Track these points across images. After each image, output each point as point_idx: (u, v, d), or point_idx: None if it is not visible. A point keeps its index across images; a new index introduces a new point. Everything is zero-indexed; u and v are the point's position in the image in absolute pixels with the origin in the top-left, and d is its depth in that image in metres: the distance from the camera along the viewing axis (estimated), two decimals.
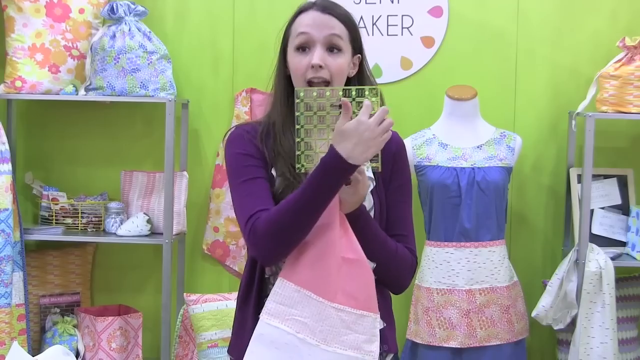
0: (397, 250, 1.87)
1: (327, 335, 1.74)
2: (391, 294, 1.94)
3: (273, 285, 1.79)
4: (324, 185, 1.69)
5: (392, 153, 1.91)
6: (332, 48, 1.83)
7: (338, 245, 1.74)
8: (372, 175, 1.88)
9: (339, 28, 1.83)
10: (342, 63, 1.84)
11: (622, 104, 3.11)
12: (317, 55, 1.81)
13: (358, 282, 1.76)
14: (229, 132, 1.92)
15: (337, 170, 1.68)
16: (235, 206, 1.82)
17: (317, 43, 1.82)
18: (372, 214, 1.86)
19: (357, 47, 1.88)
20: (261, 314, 1.76)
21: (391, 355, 1.91)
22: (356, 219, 1.79)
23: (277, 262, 1.80)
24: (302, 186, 1.71)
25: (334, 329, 1.74)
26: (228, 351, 1.97)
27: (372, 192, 1.87)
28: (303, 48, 1.83)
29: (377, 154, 1.73)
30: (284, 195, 1.77)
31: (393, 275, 1.87)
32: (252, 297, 1.86)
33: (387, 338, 1.88)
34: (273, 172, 1.84)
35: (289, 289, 1.74)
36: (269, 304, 1.76)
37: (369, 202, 1.86)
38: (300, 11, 1.88)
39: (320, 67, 1.81)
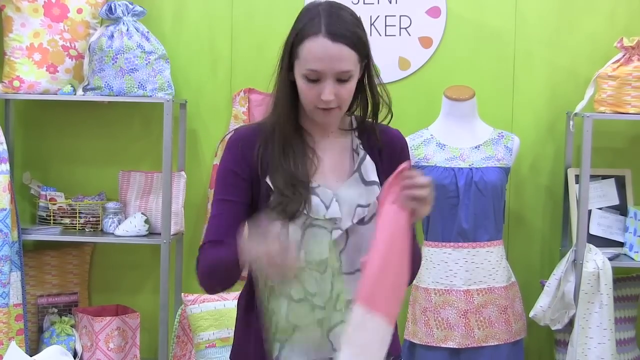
0: (416, 248, 1.90)
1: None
2: None
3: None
4: (233, 263, 1.72)
5: (397, 152, 1.91)
6: (342, 79, 1.78)
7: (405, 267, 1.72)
8: (376, 179, 1.87)
9: (349, 60, 1.76)
10: (352, 87, 1.81)
11: (620, 105, 3.11)
12: (329, 90, 1.76)
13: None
14: (228, 136, 1.90)
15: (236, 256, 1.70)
16: (209, 218, 1.89)
17: (328, 77, 1.76)
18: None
19: (364, 57, 1.83)
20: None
21: (392, 357, 1.90)
22: None
23: (214, 293, 1.92)
24: (230, 256, 1.71)
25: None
26: (230, 356, 1.93)
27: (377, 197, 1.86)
28: (313, 79, 1.79)
29: None
30: (277, 211, 1.77)
31: (413, 273, 1.89)
32: (255, 305, 1.85)
33: (392, 340, 1.87)
34: (268, 180, 1.82)
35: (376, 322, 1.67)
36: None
37: (373, 207, 1.84)
38: (309, 34, 1.77)
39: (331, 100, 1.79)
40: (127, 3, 3.26)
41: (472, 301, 2.99)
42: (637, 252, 3.10)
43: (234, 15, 3.47)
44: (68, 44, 3.31)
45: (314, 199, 1.81)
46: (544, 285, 3.14)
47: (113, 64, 3.22)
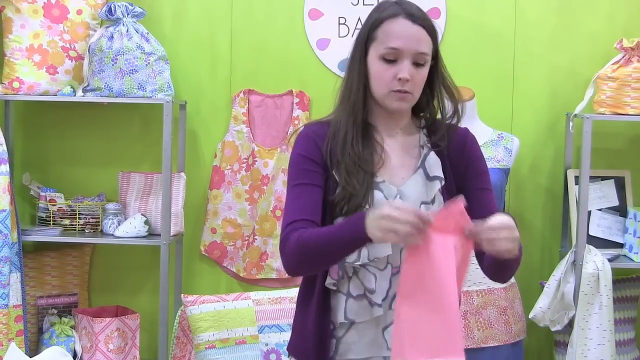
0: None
1: None
2: None
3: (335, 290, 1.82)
4: (346, 241, 1.69)
5: (461, 146, 1.91)
6: (418, 63, 1.81)
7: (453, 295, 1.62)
8: (440, 174, 1.86)
9: (427, 43, 1.82)
10: (425, 75, 1.84)
11: (620, 106, 3.11)
12: (407, 69, 1.79)
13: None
14: (298, 131, 1.91)
15: (354, 232, 1.67)
16: (285, 206, 1.85)
17: (406, 57, 1.80)
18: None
19: (436, 48, 1.87)
20: None
21: None
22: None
23: (299, 276, 1.86)
24: (332, 230, 1.71)
25: None
26: (288, 349, 1.94)
27: (441, 191, 1.86)
28: (390, 60, 1.81)
29: None
30: (340, 205, 1.78)
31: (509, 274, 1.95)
32: (314, 300, 1.84)
33: None
34: (335, 173, 1.82)
35: None
36: None
37: (439, 203, 1.84)
38: (388, 15, 1.83)
39: (407, 80, 1.81)
40: (126, 4, 3.26)
41: (471, 302, 2.99)
42: (637, 253, 3.10)
43: (234, 16, 3.47)
44: (68, 45, 3.31)
45: (377, 194, 1.80)
46: (543, 286, 3.14)
47: (113, 65, 3.22)
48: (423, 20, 1.82)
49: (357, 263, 1.80)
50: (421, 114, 1.94)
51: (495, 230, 1.63)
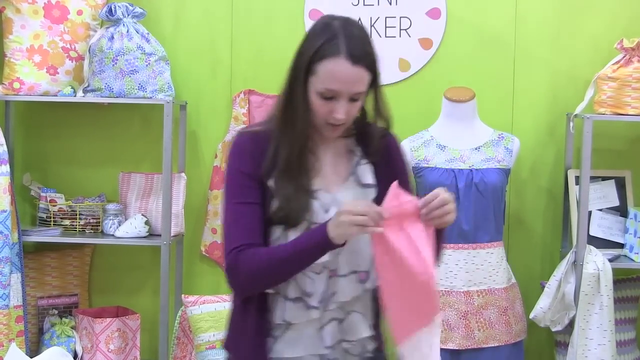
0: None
1: None
2: None
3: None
4: (307, 255, 1.77)
5: (384, 149, 1.94)
6: (354, 99, 1.82)
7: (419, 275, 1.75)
8: (372, 182, 1.91)
9: (365, 81, 1.80)
10: (360, 105, 1.85)
11: (620, 106, 3.11)
12: (343, 110, 1.80)
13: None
14: (233, 139, 1.91)
15: (316, 241, 1.75)
16: (224, 226, 1.86)
17: (343, 98, 1.79)
18: None
19: (376, 75, 1.85)
20: None
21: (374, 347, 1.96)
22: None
23: (249, 295, 1.88)
24: (288, 247, 1.78)
25: None
26: (225, 345, 1.98)
27: (375, 198, 1.89)
28: (327, 97, 1.80)
29: None
30: (278, 215, 1.81)
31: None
32: (254, 301, 1.87)
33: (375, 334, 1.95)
34: (271, 182, 1.84)
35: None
36: None
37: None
38: (329, 53, 1.78)
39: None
40: (127, 4, 3.26)
41: (472, 302, 2.99)
42: (637, 253, 3.10)
43: (234, 17, 3.47)
44: (68, 46, 3.31)
45: (315, 203, 1.84)
46: (544, 287, 3.14)
47: (113, 65, 3.22)
48: (364, 59, 1.78)
49: None
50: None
51: (442, 207, 1.76)
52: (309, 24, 3.42)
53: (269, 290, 1.86)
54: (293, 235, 1.81)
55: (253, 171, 1.85)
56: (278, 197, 1.82)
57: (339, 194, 1.88)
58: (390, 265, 1.74)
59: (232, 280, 1.83)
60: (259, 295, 1.86)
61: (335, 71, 1.77)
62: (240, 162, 1.87)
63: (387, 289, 1.77)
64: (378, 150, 1.93)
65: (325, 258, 1.81)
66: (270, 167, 1.84)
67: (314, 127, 1.86)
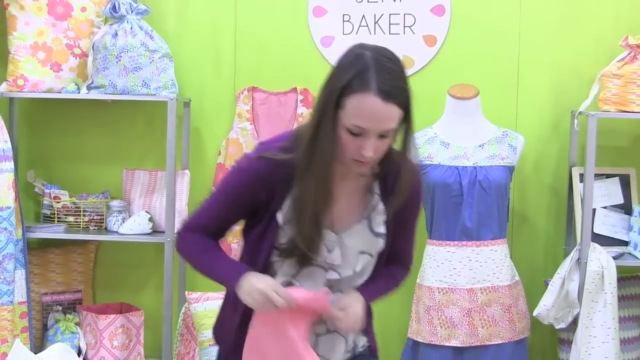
0: (398, 283, 2.00)
1: None
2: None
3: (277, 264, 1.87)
4: (217, 279, 1.93)
5: (413, 186, 1.88)
6: (384, 136, 1.73)
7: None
8: (384, 231, 1.89)
9: (396, 118, 1.71)
10: (389, 142, 1.77)
11: (625, 103, 3.10)
12: (371, 148, 1.71)
13: None
14: (252, 158, 1.83)
15: (228, 279, 1.88)
16: (200, 204, 1.93)
17: (372, 135, 1.71)
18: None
19: (406, 116, 1.77)
20: None
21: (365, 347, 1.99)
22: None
23: None
24: (209, 261, 1.91)
25: None
26: (214, 330, 2.01)
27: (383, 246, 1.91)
28: (355, 133, 1.72)
29: None
30: (285, 254, 1.83)
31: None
32: None
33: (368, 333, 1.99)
34: (279, 216, 1.81)
35: None
36: None
37: (377, 256, 1.93)
38: (359, 88, 1.68)
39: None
40: (131, 1, 3.26)
41: (475, 300, 2.99)
42: None
43: (238, 14, 3.46)
44: (72, 43, 3.31)
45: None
46: (547, 284, 3.14)
47: (117, 62, 3.23)
48: (395, 96, 1.69)
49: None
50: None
51: (342, 320, 1.82)
52: (312, 20, 3.42)
53: None
54: (288, 264, 1.84)
55: (254, 197, 1.82)
56: (286, 231, 1.81)
57: (347, 238, 1.85)
58: (265, 337, 1.84)
59: (176, 246, 1.97)
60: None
61: (365, 108, 1.68)
62: (248, 186, 1.82)
63: (253, 341, 1.86)
64: (403, 193, 1.85)
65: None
66: (285, 199, 1.81)
67: (338, 160, 1.78)
